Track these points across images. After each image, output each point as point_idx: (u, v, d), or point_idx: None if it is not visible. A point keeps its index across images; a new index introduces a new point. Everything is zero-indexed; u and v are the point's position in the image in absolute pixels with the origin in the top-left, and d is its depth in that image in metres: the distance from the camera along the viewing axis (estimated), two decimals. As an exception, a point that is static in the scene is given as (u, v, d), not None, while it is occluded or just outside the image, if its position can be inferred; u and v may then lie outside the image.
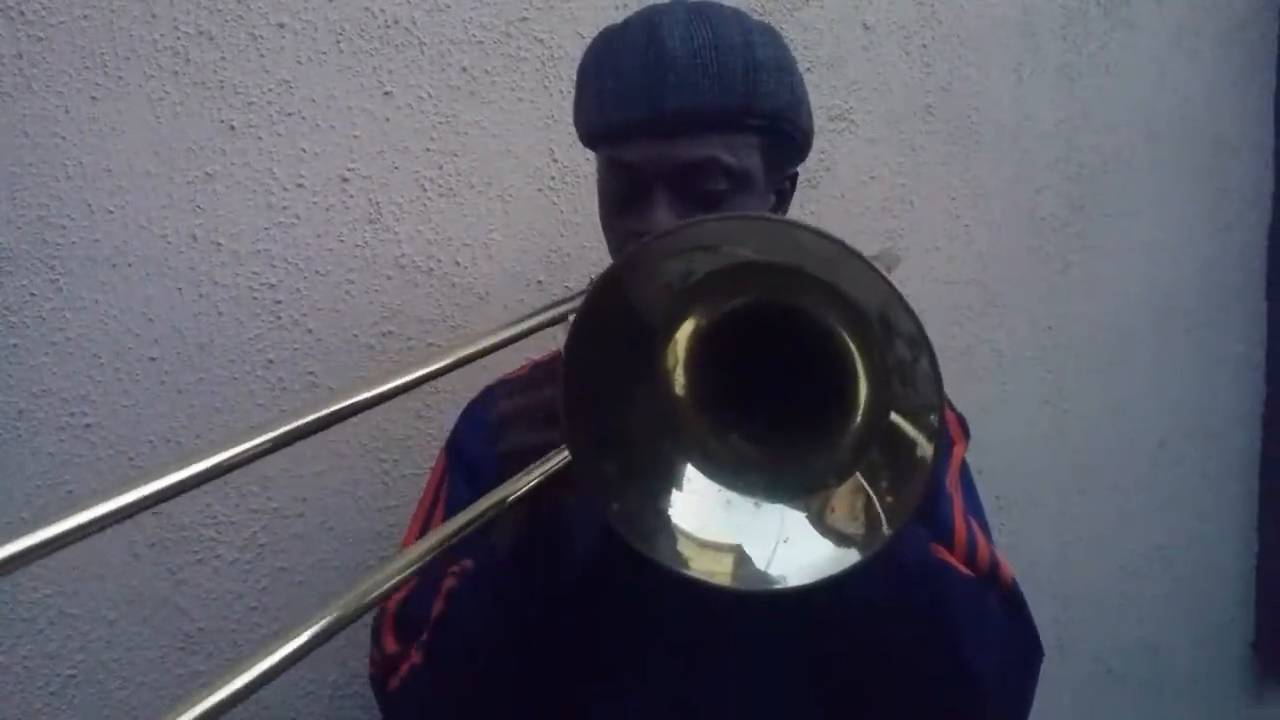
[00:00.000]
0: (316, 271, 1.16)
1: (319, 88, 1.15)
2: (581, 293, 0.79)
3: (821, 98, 1.50)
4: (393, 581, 0.56)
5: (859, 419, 0.67)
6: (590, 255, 1.31)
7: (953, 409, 1.02)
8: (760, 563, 0.67)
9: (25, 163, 1.01)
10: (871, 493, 0.65)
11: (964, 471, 0.99)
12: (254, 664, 0.45)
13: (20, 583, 1.03)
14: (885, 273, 0.58)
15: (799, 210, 1.47)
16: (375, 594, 0.54)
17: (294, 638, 0.48)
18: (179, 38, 1.07)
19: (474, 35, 1.24)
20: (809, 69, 1.48)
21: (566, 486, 0.70)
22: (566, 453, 0.68)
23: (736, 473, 0.71)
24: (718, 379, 0.72)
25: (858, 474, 0.66)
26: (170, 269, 1.09)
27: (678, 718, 0.89)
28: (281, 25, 1.12)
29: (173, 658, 1.12)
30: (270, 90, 1.12)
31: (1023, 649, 0.88)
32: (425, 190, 1.22)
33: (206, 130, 1.09)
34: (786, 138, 0.90)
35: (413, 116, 1.20)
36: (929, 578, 0.80)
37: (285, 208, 1.14)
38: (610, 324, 0.65)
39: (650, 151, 0.85)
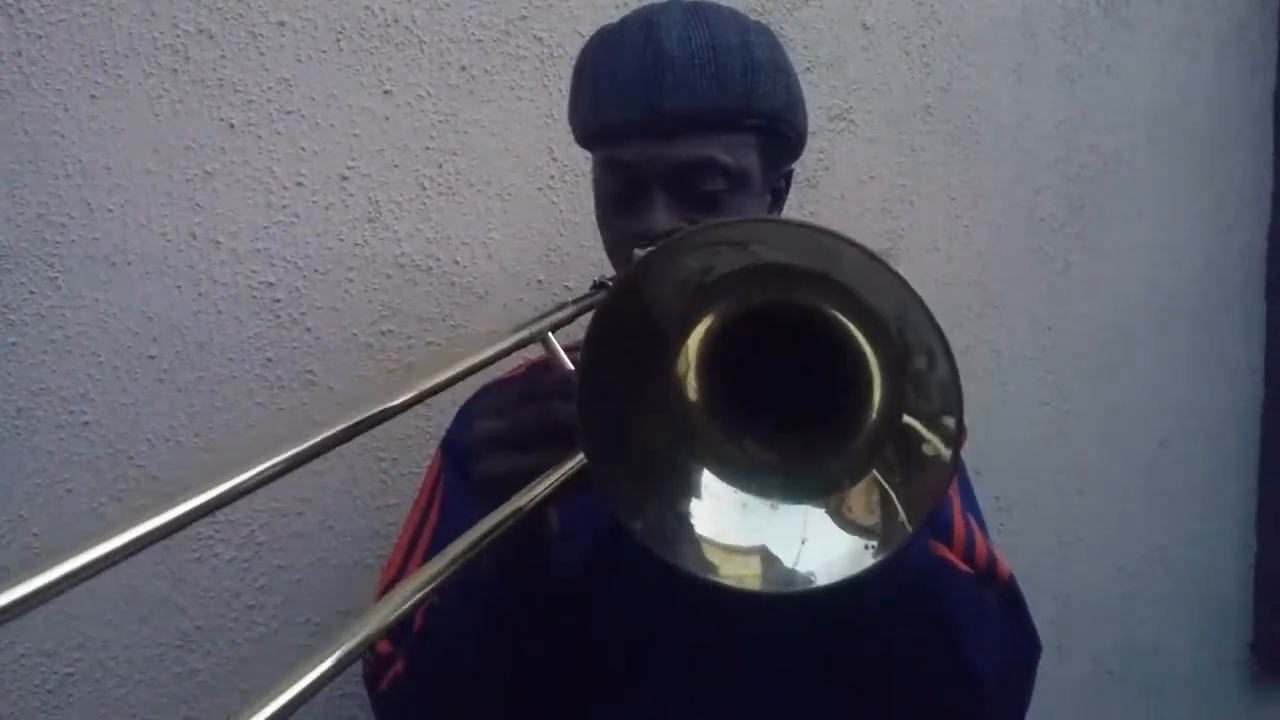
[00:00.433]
0: (316, 270, 1.16)
1: (318, 86, 1.15)
2: (587, 295, 0.79)
3: (821, 98, 1.50)
4: (410, 603, 0.54)
5: (874, 422, 0.67)
6: (589, 254, 1.31)
7: None
8: (786, 563, 0.66)
9: (24, 160, 1.01)
10: (888, 488, 0.65)
11: (961, 469, 0.99)
12: (279, 693, 0.44)
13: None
14: (904, 276, 0.58)
15: (798, 210, 1.48)
16: (385, 623, 0.52)
17: (317, 665, 0.46)
18: (178, 35, 1.07)
19: (473, 34, 1.24)
20: (808, 69, 1.48)
21: (569, 496, 0.68)
22: (554, 474, 0.66)
23: (752, 476, 0.71)
24: (730, 383, 0.72)
25: (875, 473, 0.66)
26: (169, 267, 1.09)
27: (682, 719, 0.89)
28: (281, 23, 1.12)
29: (171, 656, 1.12)
30: (270, 88, 1.12)
31: (1022, 645, 0.88)
32: (425, 189, 1.22)
33: (206, 128, 1.09)
34: (783, 137, 0.90)
35: (412, 115, 1.20)
36: (930, 575, 0.80)
37: (284, 206, 1.14)
38: (627, 329, 0.65)
39: (648, 151, 0.85)
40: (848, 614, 0.78)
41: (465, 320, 1.25)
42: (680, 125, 0.84)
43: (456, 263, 1.24)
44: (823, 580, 0.64)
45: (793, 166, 0.97)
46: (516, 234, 1.28)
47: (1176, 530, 2.11)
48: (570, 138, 0.98)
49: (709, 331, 0.70)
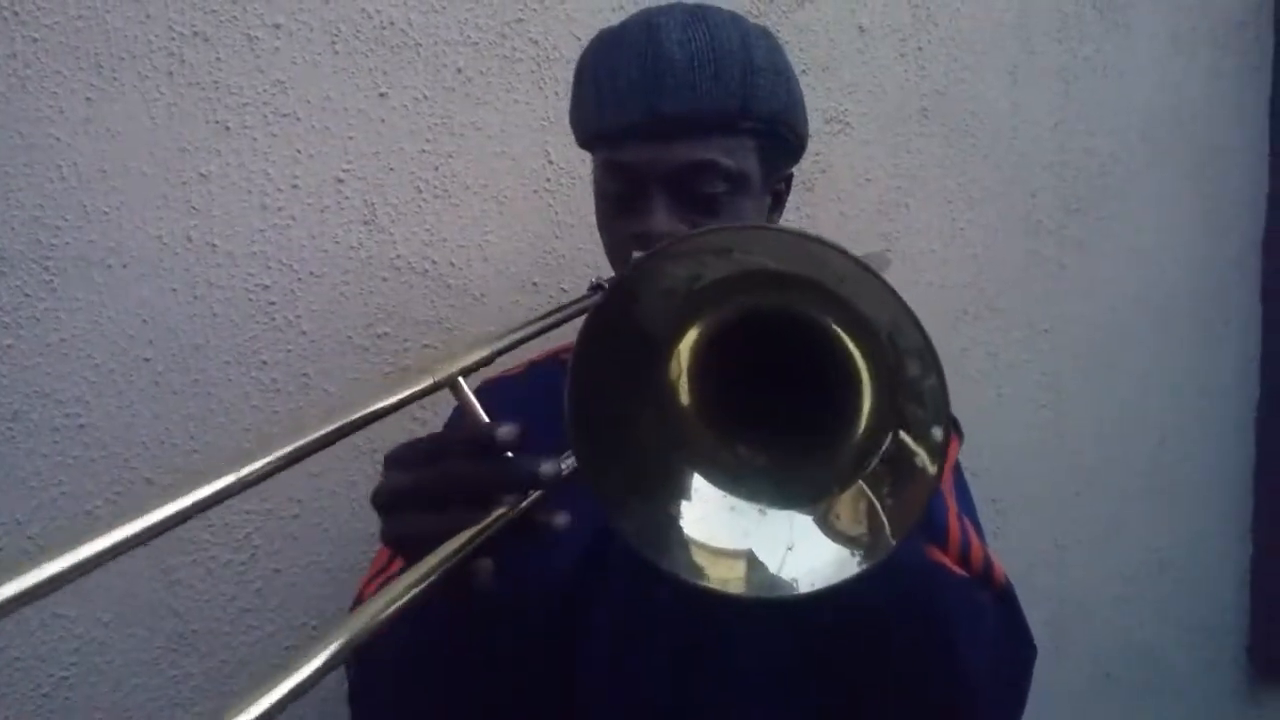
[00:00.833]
0: (311, 273, 1.16)
1: (314, 89, 1.15)
2: (584, 297, 0.79)
3: (817, 100, 1.50)
4: (390, 610, 0.53)
5: (864, 429, 0.67)
6: (585, 257, 1.31)
7: None
8: (771, 568, 0.66)
9: (19, 163, 1.01)
10: (876, 501, 0.65)
11: (957, 472, 0.99)
12: (268, 690, 0.43)
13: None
14: (896, 288, 0.58)
15: (795, 212, 1.48)
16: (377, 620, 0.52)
17: (297, 670, 0.46)
18: (174, 38, 1.07)
19: (469, 36, 1.24)
20: (804, 71, 1.48)
21: (559, 501, 0.65)
22: (470, 531, 0.61)
23: (742, 480, 0.71)
24: (722, 388, 0.72)
25: (861, 482, 0.66)
26: (165, 270, 1.09)
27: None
28: (277, 26, 1.12)
29: (166, 659, 1.11)
30: (265, 91, 1.12)
31: (1017, 648, 0.88)
32: (420, 191, 1.22)
33: (201, 131, 1.09)
34: (783, 140, 0.90)
35: (408, 118, 1.20)
36: (923, 579, 0.80)
37: (280, 209, 1.14)
38: (618, 333, 0.65)
39: (648, 153, 0.85)
40: (841, 617, 0.78)
41: (461, 323, 1.25)
42: (680, 127, 0.84)
43: (452, 265, 1.24)
44: (806, 587, 0.64)
45: (793, 170, 0.97)
46: (512, 236, 1.28)
47: (1173, 533, 2.11)
48: (567, 140, 0.98)
49: (701, 336, 0.70)
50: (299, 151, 1.14)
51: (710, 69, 0.83)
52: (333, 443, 0.55)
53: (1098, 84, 1.87)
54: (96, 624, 1.08)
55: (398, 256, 1.21)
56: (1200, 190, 2.08)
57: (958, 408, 1.05)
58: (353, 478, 1.20)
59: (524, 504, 0.62)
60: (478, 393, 1.04)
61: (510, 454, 0.62)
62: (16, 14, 1.00)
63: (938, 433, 0.61)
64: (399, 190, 1.20)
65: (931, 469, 0.62)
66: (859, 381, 0.67)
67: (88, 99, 1.04)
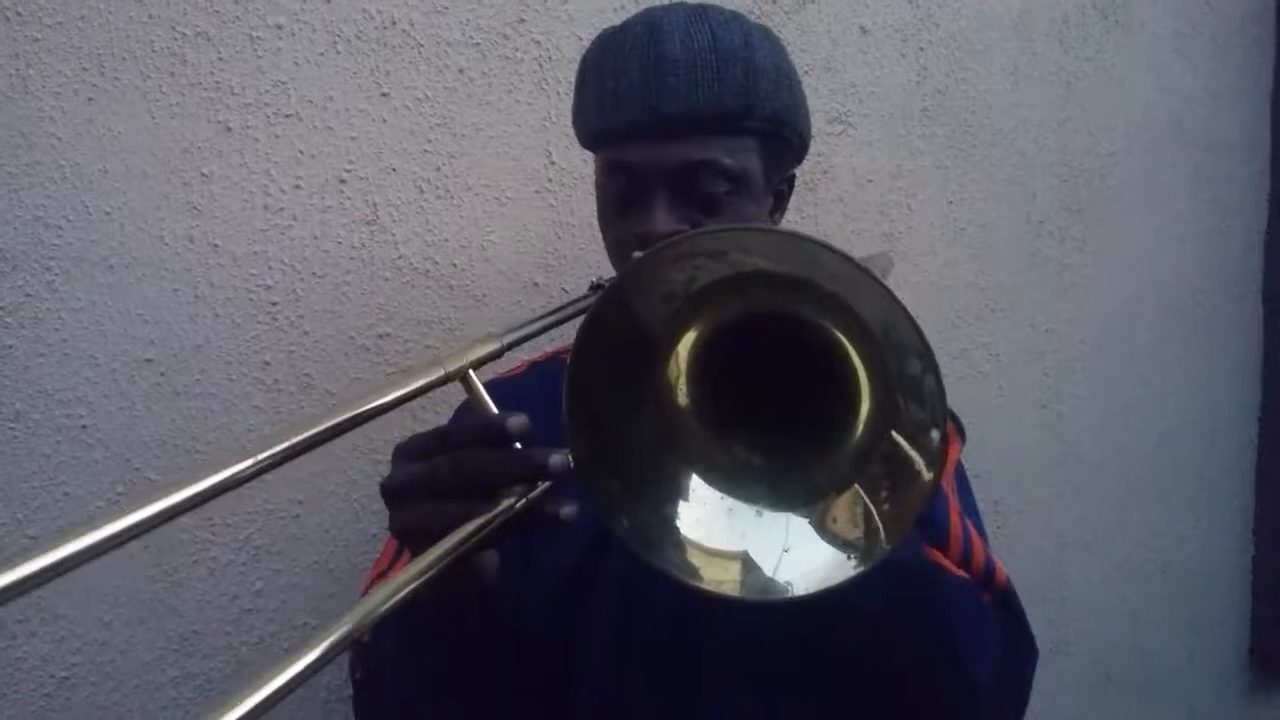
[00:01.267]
0: (313, 273, 1.16)
1: (316, 89, 1.15)
2: (584, 296, 0.79)
3: (819, 101, 1.50)
4: (395, 600, 0.53)
5: (861, 431, 0.67)
6: (587, 257, 1.31)
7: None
8: (766, 570, 0.66)
9: (21, 164, 1.01)
10: (871, 504, 0.65)
11: (959, 473, 0.99)
12: (259, 687, 0.43)
13: (15, 584, 1.03)
14: (892, 288, 0.58)
15: (797, 213, 1.48)
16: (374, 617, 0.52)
17: (301, 656, 0.46)
18: (176, 39, 1.07)
19: (471, 37, 1.24)
20: (806, 72, 1.48)
21: (565, 501, 0.64)
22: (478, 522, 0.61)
23: (739, 481, 0.71)
24: (721, 389, 0.72)
25: (857, 485, 0.66)
26: (167, 270, 1.09)
27: None
28: (279, 26, 1.12)
29: (167, 660, 1.11)
30: (267, 92, 1.12)
31: (1018, 650, 0.88)
32: (422, 192, 1.22)
33: (203, 132, 1.09)
34: (785, 140, 0.90)
35: (410, 118, 1.20)
36: (923, 581, 0.80)
37: (282, 209, 1.14)
38: (614, 334, 0.65)
39: (650, 153, 0.85)
40: (841, 618, 0.78)
41: (463, 323, 1.25)
42: (682, 127, 0.84)
43: (454, 266, 1.24)
44: (800, 590, 0.64)
45: (795, 171, 0.97)
46: (514, 237, 1.28)
47: (1175, 533, 2.11)
48: (568, 141, 0.98)
49: (699, 337, 0.70)
50: (301, 152, 1.14)
51: (712, 69, 0.83)
52: (344, 432, 0.55)
53: (1099, 85, 1.87)
54: (98, 624, 1.08)
55: (400, 257, 1.21)
56: (1201, 190, 2.08)
57: (960, 408, 1.05)
58: (354, 478, 1.20)
59: (532, 494, 0.62)
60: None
61: (519, 445, 0.62)
62: (19, 14, 1.00)
63: (935, 435, 0.61)
64: (401, 191, 1.20)
65: (927, 475, 0.62)
66: (857, 383, 0.67)
67: (90, 99, 1.04)
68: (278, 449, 0.50)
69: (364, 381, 1.19)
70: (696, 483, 0.71)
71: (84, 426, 1.06)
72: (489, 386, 0.92)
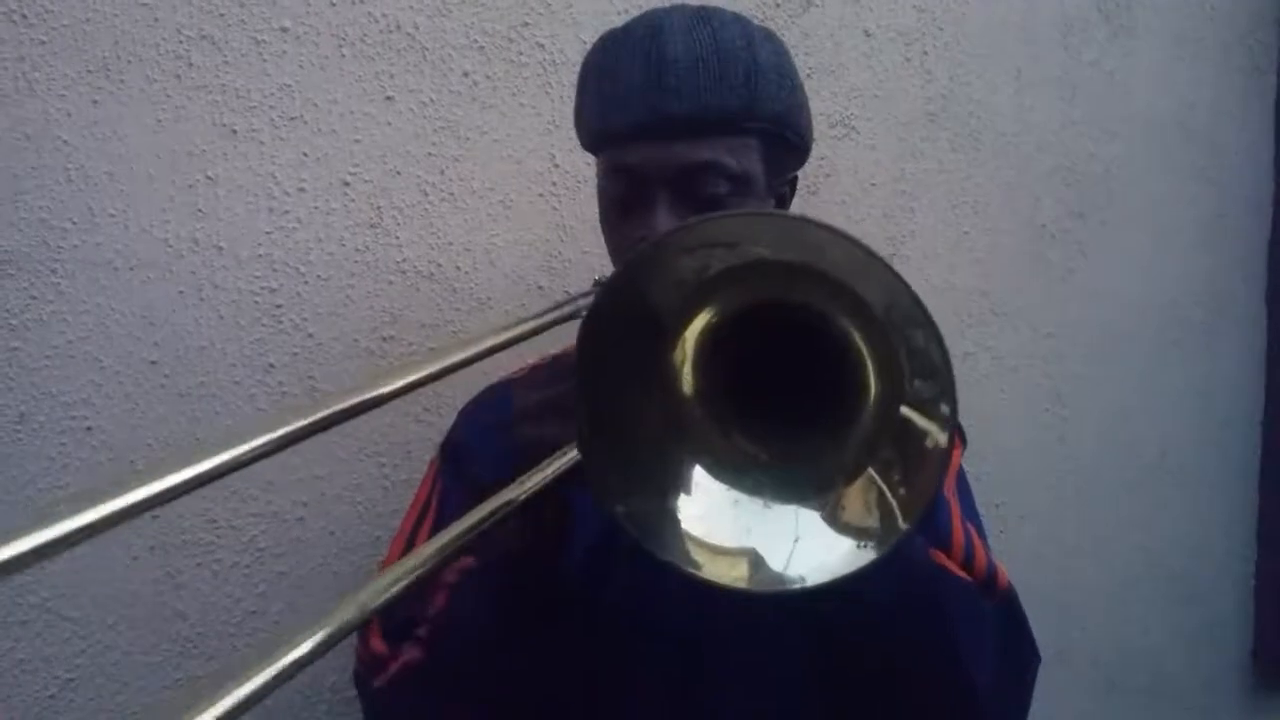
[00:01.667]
0: (318, 276, 1.16)
1: (321, 92, 1.15)
2: (586, 293, 0.79)
3: (822, 104, 1.50)
4: (405, 582, 0.55)
5: (869, 415, 0.67)
6: (591, 260, 1.31)
7: None
8: (775, 564, 0.66)
9: (27, 166, 1.01)
10: (885, 488, 0.65)
11: (960, 477, 0.99)
12: (260, 670, 0.44)
13: (18, 585, 1.03)
14: (890, 262, 0.58)
15: (799, 216, 1.47)
16: (386, 596, 0.53)
17: (302, 641, 0.46)
18: (181, 41, 1.07)
19: (476, 40, 1.24)
20: (810, 75, 1.48)
21: (576, 485, 0.69)
22: (575, 451, 0.67)
23: (744, 473, 0.70)
24: (726, 379, 0.72)
25: (870, 470, 0.66)
26: (171, 273, 1.09)
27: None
28: (284, 30, 1.12)
29: (171, 662, 1.11)
30: (272, 94, 1.12)
31: (1020, 655, 0.88)
32: (426, 195, 1.22)
33: (208, 134, 1.10)
34: (787, 142, 0.90)
35: (414, 121, 1.20)
36: (928, 583, 0.80)
37: (286, 212, 1.14)
38: (622, 322, 0.65)
39: (651, 155, 0.85)
40: (844, 619, 0.78)
41: (467, 326, 1.25)
42: (683, 128, 0.84)
43: (458, 269, 1.24)
44: (813, 581, 0.64)
45: (797, 173, 0.97)
46: (518, 240, 1.28)
47: (1177, 537, 2.11)
48: (572, 144, 0.98)
49: (705, 327, 0.70)
50: (305, 155, 1.14)
51: (714, 70, 0.83)
52: (360, 413, 0.58)
53: (1102, 89, 1.87)
54: (102, 626, 1.08)
55: (404, 260, 1.21)
56: (1205, 194, 2.08)
57: (962, 412, 1.05)
58: (358, 480, 1.20)
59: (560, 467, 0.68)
60: (480, 397, 1.05)
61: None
62: (25, 16, 1.00)
63: (945, 408, 0.61)
64: (405, 193, 1.20)
65: (943, 442, 0.61)
66: (865, 370, 0.66)
67: (95, 102, 1.04)
68: (299, 424, 0.52)
69: (372, 379, 1.19)
70: (700, 475, 0.70)
71: (89, 428, 1.06)
72: (492, 388, 0.94)
